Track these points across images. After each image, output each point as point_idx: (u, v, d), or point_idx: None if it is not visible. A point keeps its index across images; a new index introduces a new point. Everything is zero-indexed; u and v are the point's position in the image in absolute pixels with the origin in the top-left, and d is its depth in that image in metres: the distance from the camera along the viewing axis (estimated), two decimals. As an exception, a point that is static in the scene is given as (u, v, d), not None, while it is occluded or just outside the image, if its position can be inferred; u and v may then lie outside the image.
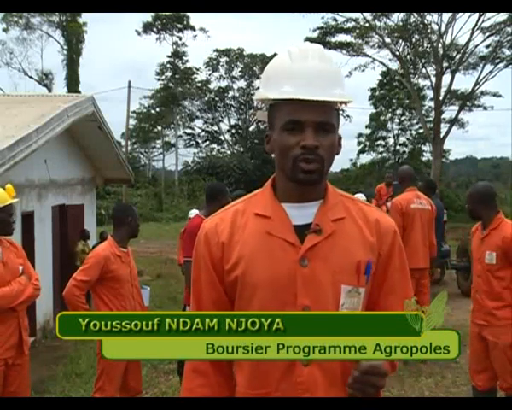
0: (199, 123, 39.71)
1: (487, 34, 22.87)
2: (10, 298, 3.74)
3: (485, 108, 29.80)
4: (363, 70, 26.18)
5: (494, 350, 4.02)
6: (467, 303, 9.26)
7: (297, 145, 1.48)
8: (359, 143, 37.65)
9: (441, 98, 23.86)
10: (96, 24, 63.85)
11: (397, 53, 23.94)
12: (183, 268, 4.88)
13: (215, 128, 39.27)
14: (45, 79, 38.77)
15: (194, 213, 8.08)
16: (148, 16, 37.45)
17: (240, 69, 37.58)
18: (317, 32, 24.33)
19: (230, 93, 38.35)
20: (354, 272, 1.53)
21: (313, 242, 1.52)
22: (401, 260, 1.63)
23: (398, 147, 37.06)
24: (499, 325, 3.96)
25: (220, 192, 4.74)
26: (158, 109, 40.40)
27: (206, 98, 37.69)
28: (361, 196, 9.29)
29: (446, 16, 22.43)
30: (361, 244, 1.55)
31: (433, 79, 23.95)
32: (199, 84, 37.94)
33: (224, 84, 38.12)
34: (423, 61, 24.67)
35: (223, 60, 37.44)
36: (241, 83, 38.01)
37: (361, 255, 1.54)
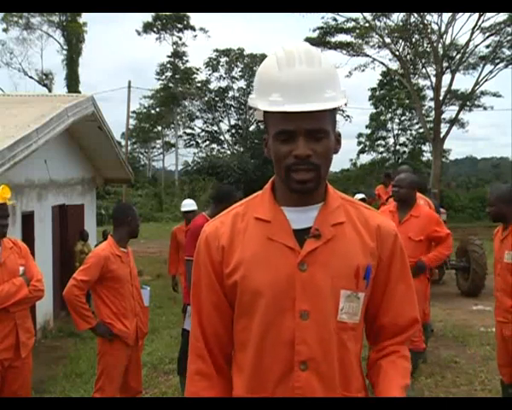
0: (199, 123, 39.72)
1: (487, 34, 22.85)
2: None
3: (485, 108, 29.88)
4: (363, 70, 26.15)
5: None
6: (467, 303, 9.31)
7: (289, 154, 1.47)
8: (359, 143, 37.68)
9: (441, 98, 23.83)
10: (95, 24, 63.92)
11: (397, 53, 23.90)
12: (185, 267, 4.83)
13: (215, 128, 39.23)
14: (45, 79, 38.81)
15: (188, 203, 7.75)
16: (148, 16, 37.50)
17: (240, 69, 37.52)
18: (317, 32, 24.32)
19: (230, 93, 38.31)
20: (353, 276, 1.53)
21: (312, 246, 1.51)
22: (403, 264, 1.63)
23: (398, 147, 37.07)
24: None
25: (227, 195, 4.63)
26: (158, 109, 40.40)
27: (206, 98, 37.64)
28: (360, 197, 9.29)
29: (446, 16, 22.42)
30: (360, 249, 1.55)
31: (433, 79, 23.92)
32: (199, 84, 37.89)
33: (224, 84, 38.11)
34: (423, 61, 24.63)
35: (223, 60, 37.39)
36: (241, 83, 37.97)
37: (360, 260, 1.54)
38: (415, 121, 35.75)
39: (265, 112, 1.53)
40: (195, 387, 1.60)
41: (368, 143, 37.40)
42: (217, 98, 38.03)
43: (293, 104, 1.42)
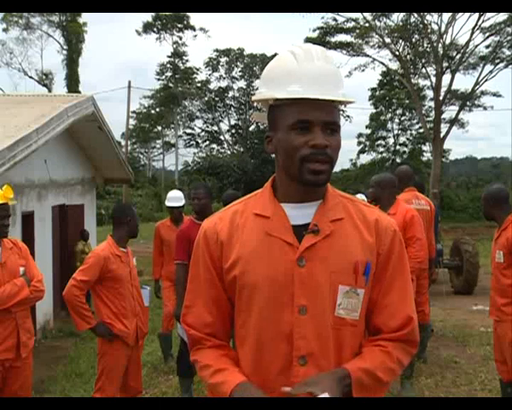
0: (199, 123, 39.76)
1: (487, 34, 22.89)
2: (1, 299, 3.71)
3: (485, 108, 29.88)
4: (363, 70, 26.23)
5: (504, 344, 4.10)
6: (466, 303, 9.31)
7: (305, 145, 1.48)
8: (359, 143, 37.67)
9: (441, 98, 23.85)
10: (95, 24, 63.95)
11: (397, 53, 23.92)
12: (176, 271, 4.72)
13: (215, 128, 39.26)
14: (45, 79, 38.82)
15: (174, 197, 6.69)
16: (148, 16, 37.56)
17: (240, 69, 37.55)
18: (317, 32, 24.35)
19: (230, 93, 38.33)
20: (352, 272, 1.53)
21: (311, 242, 1.52)
22: (401, 260, 1.62)
23: (398, 147, 37.06)
24: (506, 320, 4.05)
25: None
26: (158, 109, 40.44)
27: (206, 98, 37.66)
28: (361, 197, 9.28)
29: (446, 16, 22.47)
30: (359, 245, 1.55)
31: (433, 79, 23.95)
32: (199, 84, 37.94)
33: (224, 84, 38.15)
34: (423, 61, 24.65)
35: (223, 60, 37.41)
36: (241, 83, 38.03)
37: (359, 256, 1.54)
38: (415, 121, 35.76)
39: (273, 107, 1.54)
40: (212, 354, 1.58)
41: (368, 143, 37.39)
42: (217, 98, 38.05)
43: (314, 95, 1.45)
